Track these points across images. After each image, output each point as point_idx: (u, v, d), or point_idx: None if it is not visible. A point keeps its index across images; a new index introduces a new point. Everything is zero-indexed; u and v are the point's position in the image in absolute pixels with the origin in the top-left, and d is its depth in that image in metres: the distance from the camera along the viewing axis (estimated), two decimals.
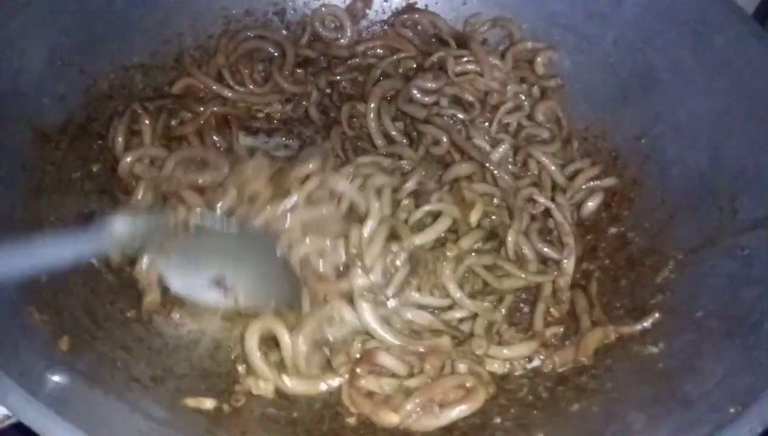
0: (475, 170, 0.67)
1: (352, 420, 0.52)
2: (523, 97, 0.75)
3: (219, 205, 0.60)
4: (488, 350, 0.55)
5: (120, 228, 0.50)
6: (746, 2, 0.71)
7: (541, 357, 0.56)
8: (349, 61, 0.79)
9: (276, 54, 0.77)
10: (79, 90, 0.64)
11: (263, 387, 0.51)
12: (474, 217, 0.62)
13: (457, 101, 0.74)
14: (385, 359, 0.53)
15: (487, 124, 0.73)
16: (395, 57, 0.79)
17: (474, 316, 0.58)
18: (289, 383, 0.51)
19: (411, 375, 0.53)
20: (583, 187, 0.69)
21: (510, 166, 0.70)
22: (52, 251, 0.45)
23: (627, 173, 0.70)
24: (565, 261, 0.63)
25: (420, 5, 0.82)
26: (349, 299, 0.55)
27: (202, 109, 0.70)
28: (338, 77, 0.78)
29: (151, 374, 0.48)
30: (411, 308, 0.57)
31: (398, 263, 0.58)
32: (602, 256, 0.65)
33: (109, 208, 0.62)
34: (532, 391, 0.53)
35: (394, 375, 0.53)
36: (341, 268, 0.58)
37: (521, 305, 0.62)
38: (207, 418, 0.46)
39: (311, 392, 0.52)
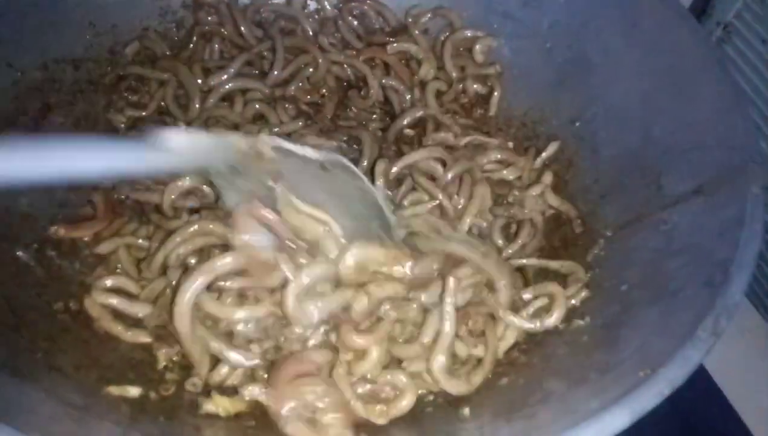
0: None
1: None
2: None
3: None
4: None
5: (177, 144, 0.43)
6: None
7: None
8: None
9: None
10: (7, 83, 0.63)
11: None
12: None
13: None
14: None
15: None
16: None
17: None
18: None
19: None
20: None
21: None
22: (102, 157, 0.39)
23: (563, 156, 0.71)
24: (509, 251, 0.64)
25: None
26: None
27: None
28: None
29: (75, 363, 0.47)
30: None
31: None
32: (539, 237, 0.66)
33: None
34: None
35: None
36: None
37: None
38: (131, 405, 0.45)
39: None
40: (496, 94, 0.77)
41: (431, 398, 0.51)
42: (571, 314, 0.55)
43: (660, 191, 0.58)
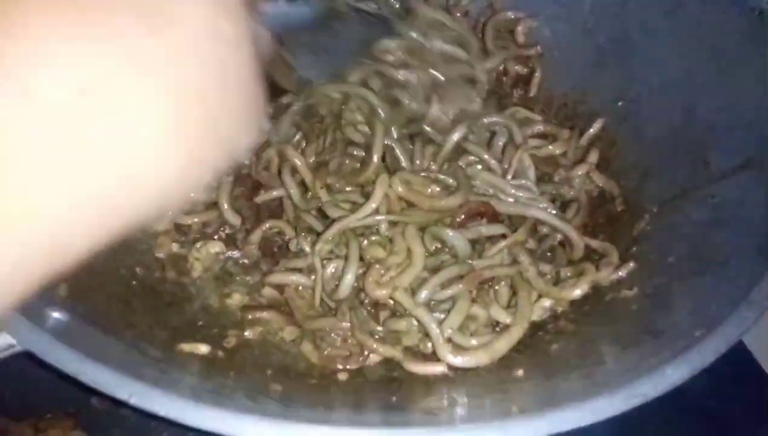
0: None
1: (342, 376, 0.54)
2: None
3: None
4: None
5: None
6: None
7: None
8: None
9: None
10: None
11: None
12: None
13: None
14: None
15: None
16: None
17: None
18: None
19: None
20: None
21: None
22: None
23: (606, 135, 0.72)
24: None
25: None
26: None
27: None
28: None
29: (147, 323, 0.50)
30: None
31: None
32: (583, 214, 0.68)
33: None
34: None
35: None
36: None
37: None
38: (201, 361, 0.48)
39: None
40: (537, 74, 0.78)
41: None
42: (618, 285, 0.56)
43: (706, 167, 0.59)
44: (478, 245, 0.58)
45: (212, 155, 0.25)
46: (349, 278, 0.53)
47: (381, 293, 0.52)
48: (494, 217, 0.60)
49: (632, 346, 0.45)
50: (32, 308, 0.39)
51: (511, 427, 0.35)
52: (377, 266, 0.53)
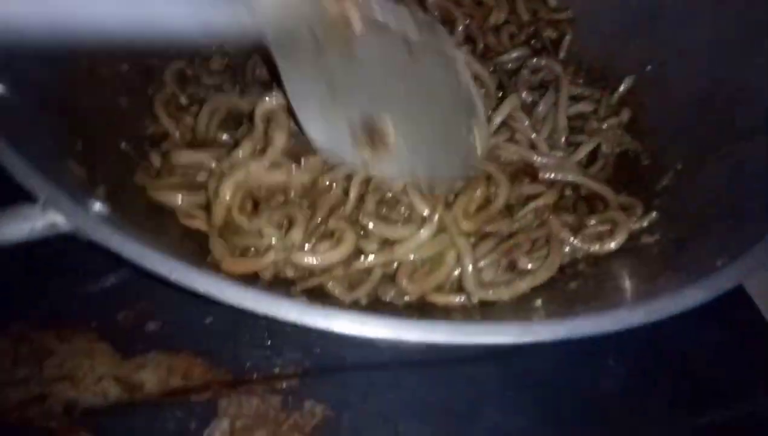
0: None
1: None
2: None
3: None
4: None
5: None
6: None
7: None
8: None
9: None
10: None
11: None
12: None
13: None
14: None
15: None
16: None
17: None
18: None
19: None
20: None
21: None
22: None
23: (632, 98, 0.73)
24: None
25: None
26: None
27: None
28: None
29: (179, 235, 0.51)
30: None
31: None
32: (608, 170, 0.68)
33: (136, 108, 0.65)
34: None
35: None
36: None
37: None
38: None
39: None
40: (567, 38, 0.79)
41: None
42: (639, 233, 0.57)
43: (732, 126, 0.60)
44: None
45: None
46: None
47: None
48: (535, 177, 0.61)
49: (652, 279, 0.46)
50: (75, 197, 0.40)
51: (532, 329, 0.36)
52: None
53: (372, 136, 0.44)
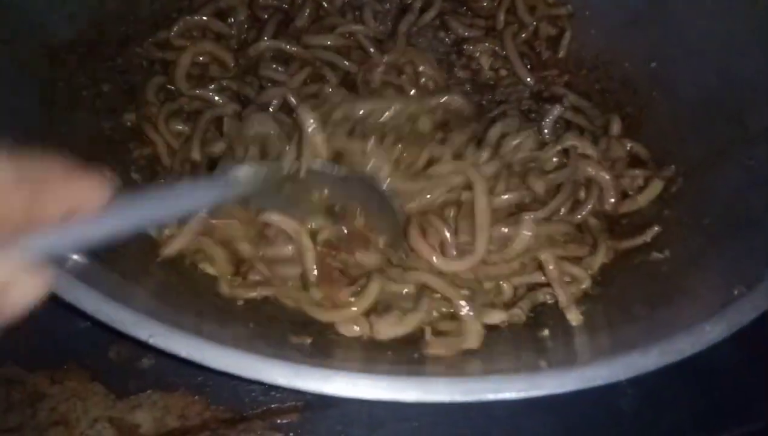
0: None
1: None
2: None
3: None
4: None
5: (245, 176, 0.47)
6: None
7: None
8: None
9: None
10: (88, 10, 0.64)
11: None
12: None
13: None
14: None
15: None
16: None
17: None
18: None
19: None
20: None
21: None
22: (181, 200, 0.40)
23: (637, 98, 0.70)
24: None
25: None
26: None
27: None
28: None
29: (165, 275, 0.49)
30: None
31: None
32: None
33: (120, 130, 0.63)
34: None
35: None
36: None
37: None
38: (221, 310, 0.47)
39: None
40: (566, 34, 0.76)
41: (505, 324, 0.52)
42: (647, 248, 0.54)
43: (742, 128, 0.57)
44: None
45: None
46: None
47: None
48: None
49: (664, 305, 0.44)
50: None
51: (540, 380, 0.34)
52: None
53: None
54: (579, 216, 0.57)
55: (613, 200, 0.58)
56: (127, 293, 0.39)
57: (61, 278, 0.35)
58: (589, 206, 0.57)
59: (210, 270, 0.52)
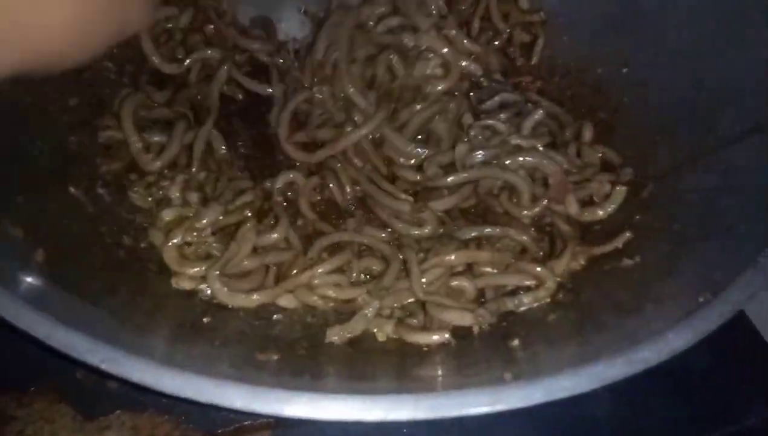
0: None
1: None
2: None
3: None
4: None
5: None
6: None
7: None
8: None
9: None
10: None
11: None
12: None
13: None
14: None
15: None
16: None
17: None
18: None
19: None
20: None
21: None
22: None
23: (609, 103, 0.70)
24: None
25: None
26: None
27: None
28: None
29: (131, 290, 0.48)
30: None
31: None
32: None
33: (87, 145, 0.62)
34: None
35: None
36: None
37: None
38: (181, 327, 0.46)
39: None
40: (539, 41, 0.76)
41: (477, 329, 0.51)
42: (618, 255, 0.54)
43: (714, 133, 0.57)
44: None
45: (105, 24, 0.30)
46: None
47: None
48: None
49: (634, 313, 0.43)
50: (4, 272, 0.37)
51: (505, 394, 0.34)
52: None
53: None
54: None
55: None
56: (85, 316, 0.38)
57: (13, 303, 0.34)
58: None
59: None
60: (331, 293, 0.53)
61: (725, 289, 0.39)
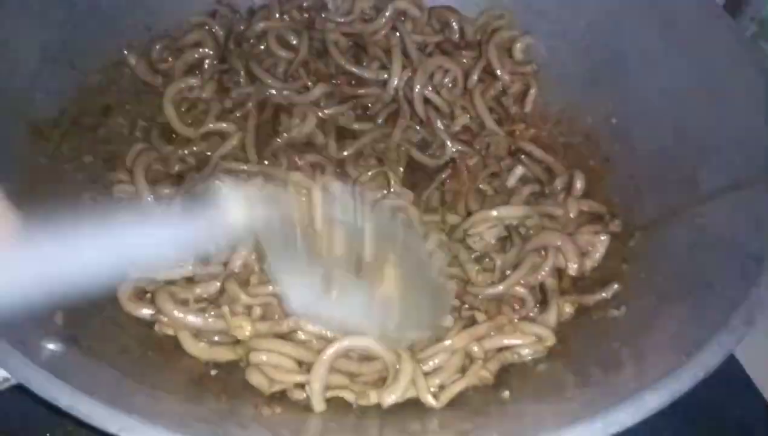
0: None
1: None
2: None
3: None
4: None
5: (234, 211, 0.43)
6: None
7: None
8: None
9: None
10: (71, 85, 0.67)
11: None
12: None
13: None
14: None
15: None
16: None
17: None
18: None
19: None
20: None
21: None
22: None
23: (598, 152, 0.73)
24: None
25: None
26: None
27: None
28: None
29: (139, 348, 0.51)
30: None
31: None
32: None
33: (101, 199, 0.65)
34: None
35: None
36: None
37: None
38: (191, 382, 0.49)
39: None
40: (532, 91, 0.79)
41: None
42: (605, 305, 0.57)
43: (695, 186, 0.60)
44: None
45: None
46: None
47: None
48: None
49: (614, 369, 0.46)
50: (28, 340, 0.40)
51: None
52: None
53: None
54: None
55: (576, 266, 0.60)
56: (103, 379, 0.41)
57: (37, 374, 0.37)
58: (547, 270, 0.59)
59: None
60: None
61: (699, 350, 0.41)
